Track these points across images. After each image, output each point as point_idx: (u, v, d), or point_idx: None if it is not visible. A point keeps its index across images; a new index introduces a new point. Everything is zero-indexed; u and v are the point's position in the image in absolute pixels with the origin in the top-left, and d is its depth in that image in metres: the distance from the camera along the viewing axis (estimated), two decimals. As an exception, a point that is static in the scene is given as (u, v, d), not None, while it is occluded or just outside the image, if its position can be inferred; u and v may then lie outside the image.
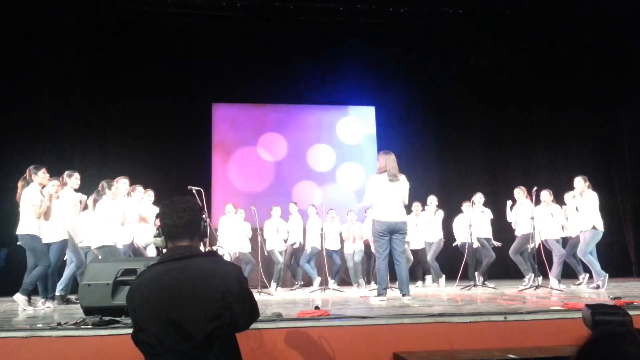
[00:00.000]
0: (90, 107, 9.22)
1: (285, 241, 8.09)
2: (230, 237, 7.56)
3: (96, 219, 5.52)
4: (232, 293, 1.69)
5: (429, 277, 7.97)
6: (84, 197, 5.92)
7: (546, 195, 6.77)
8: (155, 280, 1.72)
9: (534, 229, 6.40)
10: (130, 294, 1.75)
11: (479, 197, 7.60)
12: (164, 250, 1.88)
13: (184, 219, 1.80)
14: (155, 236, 1.89)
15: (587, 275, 6.74)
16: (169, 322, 1.64)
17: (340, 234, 8.28)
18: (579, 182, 6.32)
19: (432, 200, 8.01)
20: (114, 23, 9.14)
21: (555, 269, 6.57)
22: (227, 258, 7.07)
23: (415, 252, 8.01)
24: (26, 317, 4.15)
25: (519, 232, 6.95)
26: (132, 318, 1.76)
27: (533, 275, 6.54)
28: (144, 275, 1.77)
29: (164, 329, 1.64)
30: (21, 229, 5.09)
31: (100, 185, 5.65)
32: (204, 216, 1.92)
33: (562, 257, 6.60)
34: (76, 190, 5.89)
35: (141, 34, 9.34)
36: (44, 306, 5.16)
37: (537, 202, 6.61)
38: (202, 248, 2.05)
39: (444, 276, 7.66)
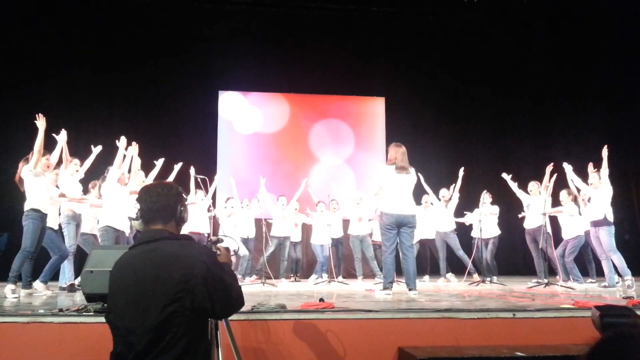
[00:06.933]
0: (95, 92, 9.17)
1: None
2: (235, 229, 7.54)
3: (102, 202, 5.55)
4: (196, 277, 1.67)
5: (450, 275, 7.63)
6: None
7: (564, 195, 6.70)
8: (125, 263, 1.78)
9: (545, 225, 6.34)
10: (109, 277, 1.82)
11: (486, 197, 7.50)
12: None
13: (157, 203, 1.85)
14: (134, 219, 1.92)
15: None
16: (132, 304, 1.68)
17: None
18: (595, 177, 6.28)
19: (444, 193, 7.90)
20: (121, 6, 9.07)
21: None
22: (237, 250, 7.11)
23: (423, 245, 7.92)
24: (28, 302, 4.15)
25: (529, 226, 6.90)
26: None
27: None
28: (120, 259, 1.83)
29: (127, 310, 1.69)
30: (26, 205, 4.90)
31: (107, 170, 5.68)
32: (185, 202, 1.96)
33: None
34: (80, 181, 5.90)
35: (142, 17, 9.20)
36: (26, 290, 4.96)
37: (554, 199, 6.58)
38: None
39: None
